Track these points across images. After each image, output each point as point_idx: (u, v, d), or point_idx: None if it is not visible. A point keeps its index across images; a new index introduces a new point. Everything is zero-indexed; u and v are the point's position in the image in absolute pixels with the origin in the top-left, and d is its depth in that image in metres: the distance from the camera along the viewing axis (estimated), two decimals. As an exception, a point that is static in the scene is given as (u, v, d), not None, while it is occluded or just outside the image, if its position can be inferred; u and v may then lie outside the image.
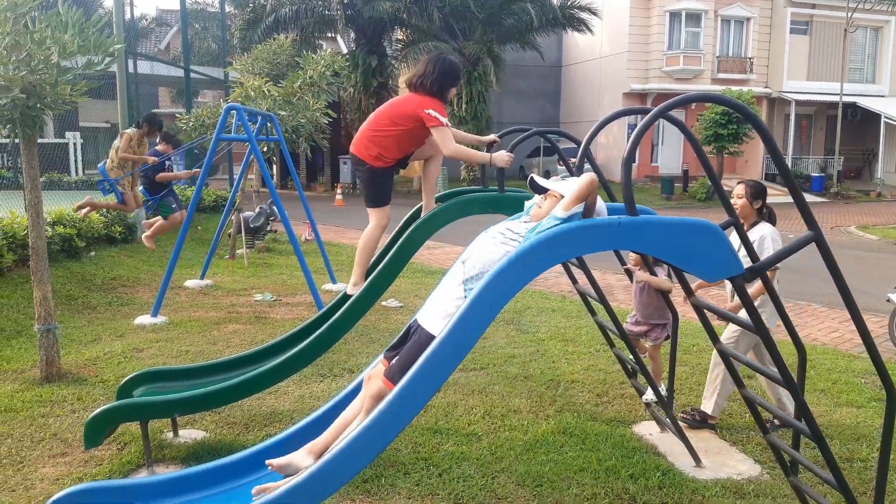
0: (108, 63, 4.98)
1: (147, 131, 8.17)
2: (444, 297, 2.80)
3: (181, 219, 8.18)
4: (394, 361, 2.89)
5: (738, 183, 4.47)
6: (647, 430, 4.47)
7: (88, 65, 4.93)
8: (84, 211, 8.49)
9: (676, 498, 3.61)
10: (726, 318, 3.19)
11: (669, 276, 4.14)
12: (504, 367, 5.63)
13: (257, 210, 11.65)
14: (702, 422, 4.52)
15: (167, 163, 8.42)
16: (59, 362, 5.17)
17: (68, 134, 21.69)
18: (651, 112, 2.66)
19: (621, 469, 3.85)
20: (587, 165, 3.49)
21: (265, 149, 9.92)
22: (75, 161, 21.90)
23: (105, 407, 3.73)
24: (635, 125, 29.55)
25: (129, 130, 8.24)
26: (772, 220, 4.41)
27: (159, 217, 8.47)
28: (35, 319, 5.13)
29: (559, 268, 4.31)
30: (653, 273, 4.06)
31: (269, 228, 12.14)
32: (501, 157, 3.79)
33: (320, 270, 9.17)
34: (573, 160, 3.56)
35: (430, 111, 3.76)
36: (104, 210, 9.39)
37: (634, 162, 3.07)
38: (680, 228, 2.54)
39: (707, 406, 4.52)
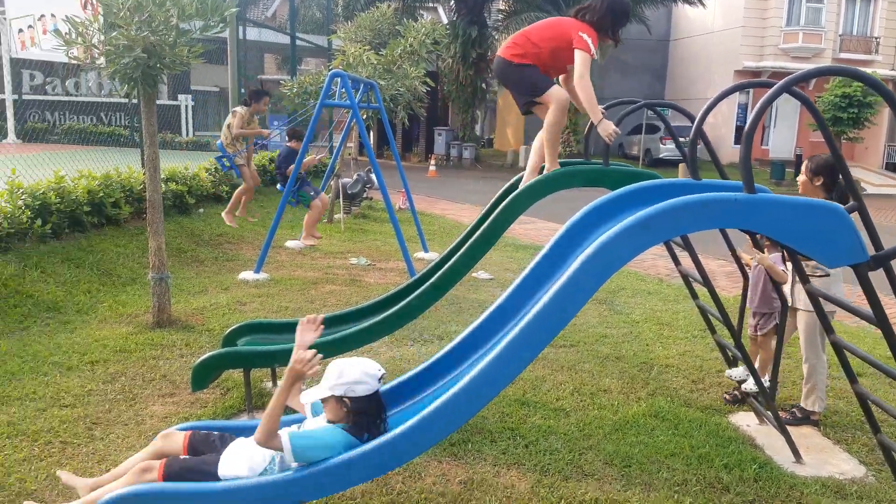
0: (223, 27, 5.17)
1: (256, 108, 8.37)
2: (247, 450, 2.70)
3: (323, 203, 8.41)
4: (183, 459, 2.77)
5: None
6: (745, 420, 4.30)
7: (205, 28, 5.13)
8: (231, 217, 8.63)
9: (773, 492, 3.46)
10: (848, 308, 2.99)
11: (784, 262, 3.93)
12: (595, 346, 5.54)
13: (355, 177, 11.90)
14: (804, 419, 4.30)
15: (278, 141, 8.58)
16: (170, 309, 5.49)
17: (181, 96, 22.82)
18: (777, 85, 2.49)
19: (715, 458, 3.72)
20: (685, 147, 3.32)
21: (364, 116, 10.07)
22: (186, 122, 23.02)
23: (211, 353, 3.93)
24: (747, 105, 28.05)
25: (238, 109, 8.42)
26: (843, 202, 4.09)
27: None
28: (149, 268, 5.46)
29: (656, 250, 4.18)
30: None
31: (365, 195, 12.39)
32: (607, 127, 3.68)
33: (413, 239, 9.28)
34: (683, 139, 3.40)
35: (584, 34, 3.75)
36: (214, 169, 9.85)
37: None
38: (803, 209, 2.39)
39: (807, 403, 4.29)
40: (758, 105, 2.44)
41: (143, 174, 8.07)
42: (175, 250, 7.70)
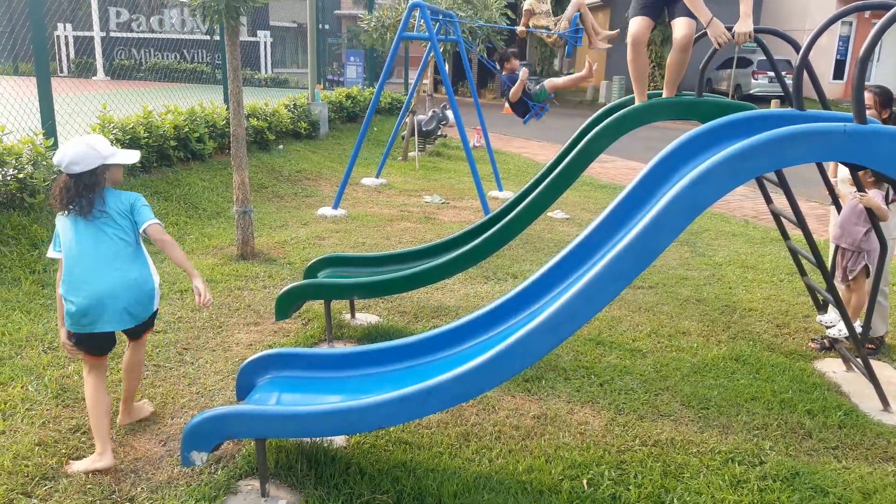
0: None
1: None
2: None
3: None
4: None
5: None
6: (831, 367, 4.13)
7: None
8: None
9: (857, 439, 3.33)
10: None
11: (887, 200, 3.68)
12: (675, 287, 5.41)
13: (430, 114, 11.81)
14: (878, 347, 4.30)
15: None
16: (253, 242, 5.66)
17: (260, 33, 23.04)
18: (894, 8, 2.27)
19: (798, 403, 3.61)
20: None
21: (441, 49, 9.90)
22: (265, 59, 23.30)
23: (294, 284, 4.05)
24: (848, 37, 26.08)
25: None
26: None
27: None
28: (233, 202, 5.62)
29: (743, 189, 3.97)
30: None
31: (440, 133, 12.31)
32: (717, 28, 3.43)
33: (487, 177, 9.21)
34: (786, 74, 3.18)
35: None
36: (293, 105, 9.90)
37: (862, 70, 2.59)
38: (918, 142, 2.20)
39: (879, 328, 4.28)
40: (874, 29, 2.23)
41: (227, 110, 8.26)
42: (256, 185, 7.90)
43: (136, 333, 3.03)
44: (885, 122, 3.94)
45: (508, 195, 8.55)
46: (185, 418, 3.20)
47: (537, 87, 7.03)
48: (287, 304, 4.00)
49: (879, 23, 2.22)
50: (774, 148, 2.21)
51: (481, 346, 3.15)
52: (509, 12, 10.78)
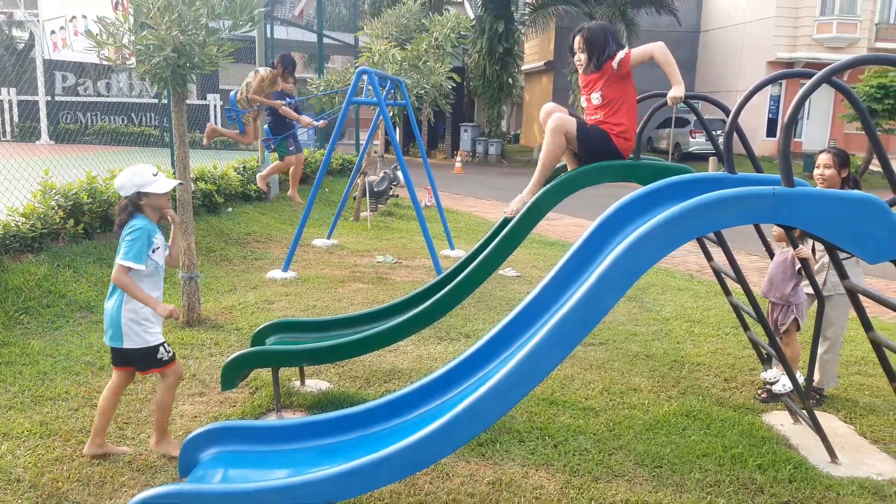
0: (252, 26, 5.19)
1: (280, 73, 8.01)
2: None
3: (297, 162, 8.12)
4: None
5: (821, 152, 4.16)
6: (779, 419, 4.20)
7: (234, 27, 5.15)
8: (207, 140, 8.12)
9: (808, 493, 3.37)
10: (888, 304, 2.89)
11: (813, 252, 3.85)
12: (625, 344, 5.47)
13: (381, 175, 11.92)
14: (820, 399, 4.41)
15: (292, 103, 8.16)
16: (200, 309, 5.54)
17: (209, 96, 23.06)
18: (818, 74, 2.42)
19: (748, 458, 3.64)
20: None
21: (390, 114, 10.07)
22: (215, 121, 23.25)
23: (240, 353, 3.95)
24: (779, 97, 27.57)
25: (261, 70, 8.03)
26: (858, 187, 4.11)
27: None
28: (179, 268, 5.51)
29: (686, 245, 4.09)
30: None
31: (391, 193, 12.41)
32: (680, 90, 3.57)
33: (439, 236, 9.27)
34: (717, 133, 3.33)
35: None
36: (242, 168, 9.88)
37: (783, 133, 2.76)
38: (843, 203, 2.32)
39: (822, 381, 4.42)
40: (798, 95, 2.37)
41: (173, 174, 8.14)
42: (204, 249, 7.78)
43: (130, 363, 3.38)
44: (844, 180, 4.12)
45: (460, 254, 8.61)
46: (123, 499, 3.05)
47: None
48: (233, 373, 3.89)
49: (800, 92, 2.36)
50: (707, 212, 2.29)
51: (434, 412, 3.11)
52: (455, 76, 11.07)
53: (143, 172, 3.32)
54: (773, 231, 4.21)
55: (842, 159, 4.10)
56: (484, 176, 21.35)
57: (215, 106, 22.76)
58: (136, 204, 3.30)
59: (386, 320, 4.42)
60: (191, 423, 3.81)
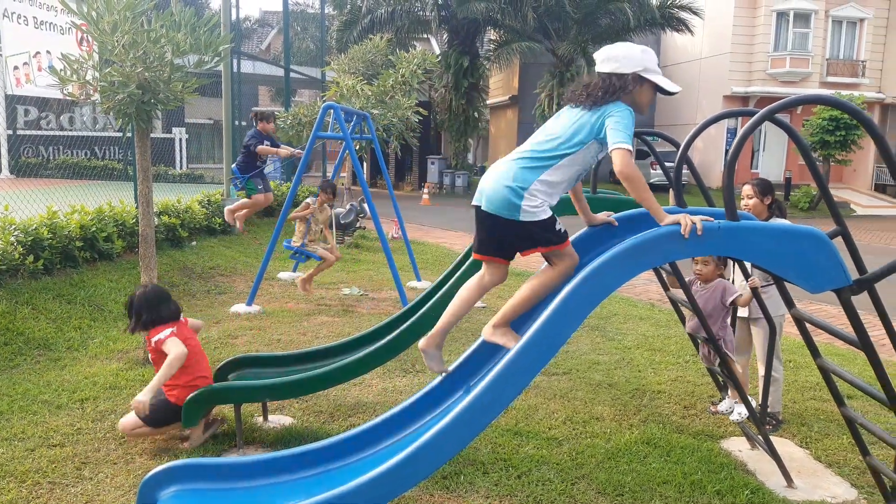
0: (217, 62, 5.24)
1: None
2: None
3: (265, 201, 8.26)
4: None
5: (744, 184, 4.45)
6: (737, 446, 4.29)
7: (199, 63, 5.19)
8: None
9: (766, 519, 3.44)
10: (832, 332, 3.01)
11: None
12: (587, 373, 5.54)
13: (348, 207, 11.96)
14: (778, 423, 4.56)
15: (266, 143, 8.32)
16: (161, 344, 5.46)
17: (175, 129, 22.97)
18: (758, 114, 2.54)
19: (707, 484, 3.71)
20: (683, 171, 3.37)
21: (357, 147, 10.16)
22: (180, 155, 23.15)
23: (201, 389, 3.92)
24: (735, 129, 28.53)
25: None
26: (783, 215, 4.40)
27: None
28: (141, 303, 5.44)
29: (647, 274, 4.20)
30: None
31: (358, 225, 12.44)
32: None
33: (406, 268, 9.31)
34: (670, 164, 3.46)
35: None
36: (207, 201, 9.84)
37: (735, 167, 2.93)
38: (785, 236, 2.43)
39: (775, 407, 4.57)
40: (738, 136, 2.49)
41: (136, 208, 8.08)
42: (167, 284, 7.69)
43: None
44: (769, 206, 4.36)
45: (427, 285, 8.64)
46: (79, 541, 2.99)
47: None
48: (195, 410, 3.85)
49: (741, 132, 2.48)
50: (658, 246, 2.39)
51: (398, 445, 3.12)
52: (421, 110, 11.23)
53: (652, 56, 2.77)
54: (693, 268, 4.28)
55: (762, 188, 4.35)
56: (451, 207, 21.50)
57: (181, 139, 22.68)
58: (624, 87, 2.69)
59: (350, 353, 4.43)
60: (151, 461, 3.76)
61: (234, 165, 8.29)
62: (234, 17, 17.75)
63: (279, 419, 4.37)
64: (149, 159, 5.37)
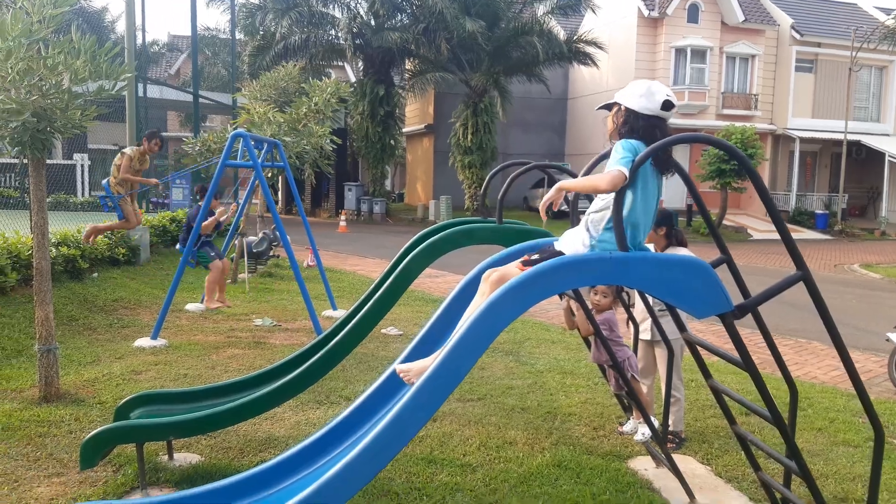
0: (119, 89, 5.09)
1: (148, 148, 8.25)
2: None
3: (224, 266, 8.27)
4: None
5: None
6: (643, 465, 4.46)
7: (99, 91, 5.04)
8: (91, 239, 8.56)
9: (670, 534, 3.59)
10: (719, 354, 3.21)
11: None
12: (501, 398, 5.63)
13: (260, 235, 11.74)
14: (681, 441, 4.79)
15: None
16: (58, 383, 5.19)
17: (76, 155, 21.95)
18: (642, 153, 2.71)
19: (615, 504, 3.84)
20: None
21: (269, 175, 10.03)
22: (82, 182, 22.12)
23: (101, 428, 3.74)
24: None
25: (128, 150, 8.28)
26: (681, 243, 4.67)
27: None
28: (36, 339, 5.17)
29: (557, 299, 4.32)
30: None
31: (271, 254, 12.22)
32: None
33: (321, 297, 9.21)
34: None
35: None
36: (110, 232, 9.47)
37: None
38: (670, 266, 2.59)
39: (678, 426, 4.80)
40: (628, 173, 2.64)
41: (31, 240, 7.70)
42: (66, 318, 7.32)
43: None
44: (665, 236, 4.61)
45: (342, 313, 8.55)
46: None
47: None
48: (93, 451, 3.67)
49: (629, 171, 2.64)
50: (551, 276, 2.50)
51: (308, 478, 3.09)
52: (335, 138, 11.22)
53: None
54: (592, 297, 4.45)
55: (658, 219, 4.54)
56: (369, 234, 21.47)
57: (82, 165, 21.71)
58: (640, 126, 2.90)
59: (261, 387, 4.34)
60: (44, 508, 3.55)
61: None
62: (140, 41, 17.27)
63: (186, 457, 4.22)
64: (44, 189, 5.14)
